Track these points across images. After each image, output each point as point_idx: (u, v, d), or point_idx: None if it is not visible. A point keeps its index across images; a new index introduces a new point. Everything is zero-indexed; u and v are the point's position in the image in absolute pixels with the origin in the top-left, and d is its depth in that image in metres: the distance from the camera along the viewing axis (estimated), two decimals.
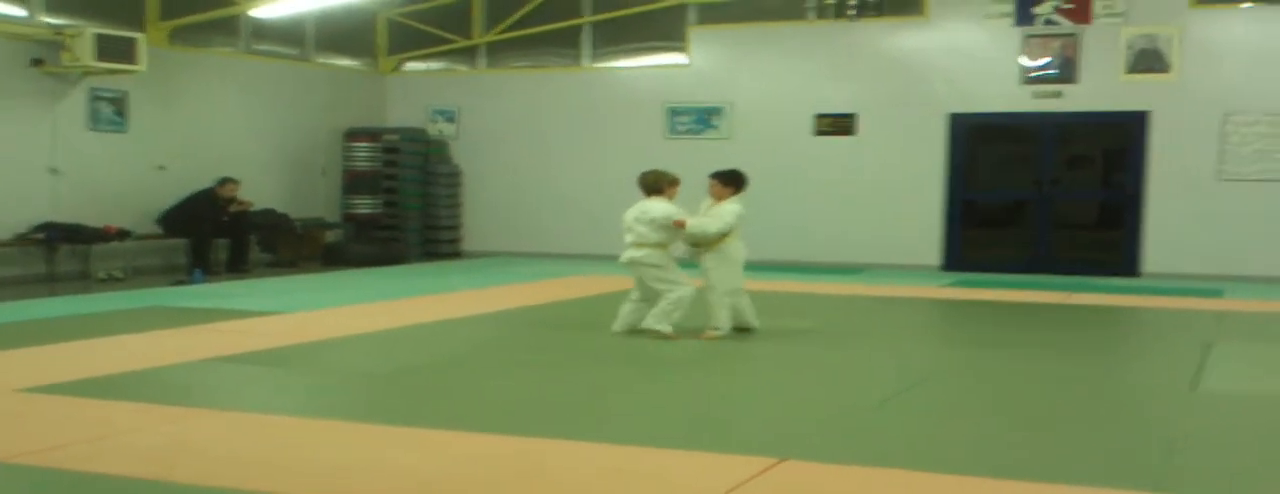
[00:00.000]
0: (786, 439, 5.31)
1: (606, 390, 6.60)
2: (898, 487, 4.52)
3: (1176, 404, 6.32)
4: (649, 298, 8.52)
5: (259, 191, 14.62)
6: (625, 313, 8.65)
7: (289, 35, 15.80)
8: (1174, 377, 7.08)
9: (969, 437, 5.46)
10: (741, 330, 8.61)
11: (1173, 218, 13.93)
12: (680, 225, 8.35)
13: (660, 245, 8.43)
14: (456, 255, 16.77)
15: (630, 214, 8.52)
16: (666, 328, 8.32)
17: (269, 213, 14.88)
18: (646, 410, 6.07)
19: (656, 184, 8.58)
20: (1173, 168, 13.90)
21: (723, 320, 8.45)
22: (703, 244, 8.52)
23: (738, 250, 8.66)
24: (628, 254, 8.48)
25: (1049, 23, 14.30)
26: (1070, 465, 4.90)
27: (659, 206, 8.46)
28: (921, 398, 6.44)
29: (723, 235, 8.48)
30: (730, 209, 8.54)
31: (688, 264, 8.73)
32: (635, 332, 8.50)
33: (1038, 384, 6.91)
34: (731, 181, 8.73)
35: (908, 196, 14.83)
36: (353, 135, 16.10)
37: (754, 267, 9.25)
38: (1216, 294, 12.01)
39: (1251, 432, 5.64)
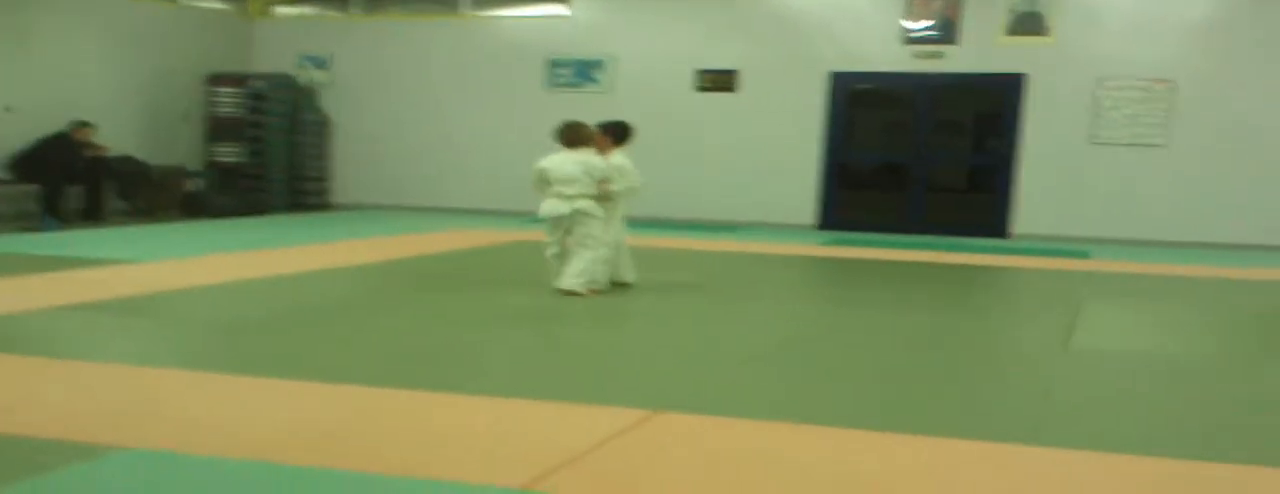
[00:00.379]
0: (661, 392, 5.19)
1: (476, 343, 6.39)
2: (772, 438, 4.42)
3: (1050, 360, 6.33)
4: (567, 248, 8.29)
5: (116, 137, 14.02)
6: (558, 267, 8.34)
7: None
8: (1046, 334, 7.10)
9: (844, 390, 5.39)
10: (619, 285, 8.46)
11: (1044, 181, 14.11)
12: (607, 186, 8.14)
13: (593, 197, 8.19)
14: (324, 207, 16.34)
15: (568, 164, 8.17)
16: (581, 289, 8.07)
17: (127, 159, 14.29)
18: (519, 363, 5.89)
19: (583, 137, 8.30)
20: (1046, 131, 14.08)
21: (599, 274, 8.29)
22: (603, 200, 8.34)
23: (624, 205, 8.52)
24: (574, 204, 8.14)
25: None
26: (945, 419, 4.86)
27: (598, 161, 8.21)
28: (797, 352, 6.36)
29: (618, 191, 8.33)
30: (627, 163, 8.36)
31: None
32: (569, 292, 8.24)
33: (913, 340, 6.88)
34: (619, 134, 8.52)
35: (787, 155, 14.81)
36: (217, 80, 15.52)
37: (631, 223, 9.09)
38: (1083, 255, 12.20)
39: (1121, 386, 5.67)
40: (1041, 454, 4.31)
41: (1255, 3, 13.48)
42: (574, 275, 8.10)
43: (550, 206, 8.18)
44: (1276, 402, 5.42)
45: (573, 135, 8.32)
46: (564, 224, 8.20)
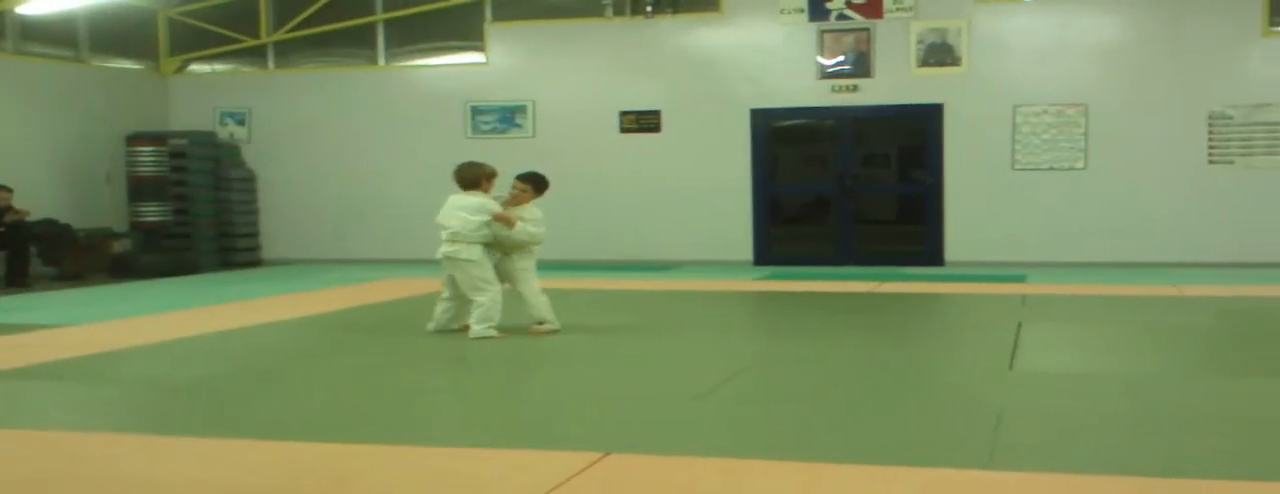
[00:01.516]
0: (609, 434, 5.14)
1: (419, 393, 6.30)
2: (724, 475, 4.39)
3: (996, 384, 6.37)
4: (459, 296, 8.25)
5: (37, 200, 13.73)
6: (439, 313, 8.43)
7: (61, 35, 14.93)
8: (991, 358, 7.15)
9: (795, 423, 5.38)
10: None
11: (971, 208, 14.28)
12: (504, 221, 8.10)
13: (476, 242, 8.16)
14: (255, 264, 16.10)
15: (444, 209, 8.23)
16: (492, 332, 8.09)
17: (50, 223, 13.98)
18: (462, 411, 5.81)
19: (474, 178, 8.33)
20: (969, 159, 14.26)
21: (550, 314, 8.30)
22: (513, 249, 8.31)
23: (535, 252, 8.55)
24: (443, 249, 8.19)
25: (842, 18, 14.50)
26: (898, 447, 4.86)
27: (473, 199, 8.20)
28: (744, 386, 6.34)
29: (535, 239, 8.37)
30: (538, 214, 8.40)
31: None
32: (449, 332, 8.24)
33: (859, 370, 6.90)
34: (540, 185, 8.55)
35: (716, 193, 14.85)
36: (136, 139, 15.26)
37: (563, 267, 9.07)
38: (1019, 279, 12.34)
39: (1070, 406, 5.71)
40: (999, 478, 4.31)
41: (1159, 24, 13.79)
42: (475, 322, 8.13)
43: (439, 252, 8.28)
44: (1223, 416, 5.49)
45: (460, 177, 8.41)
46: (449, 270, 8.21)
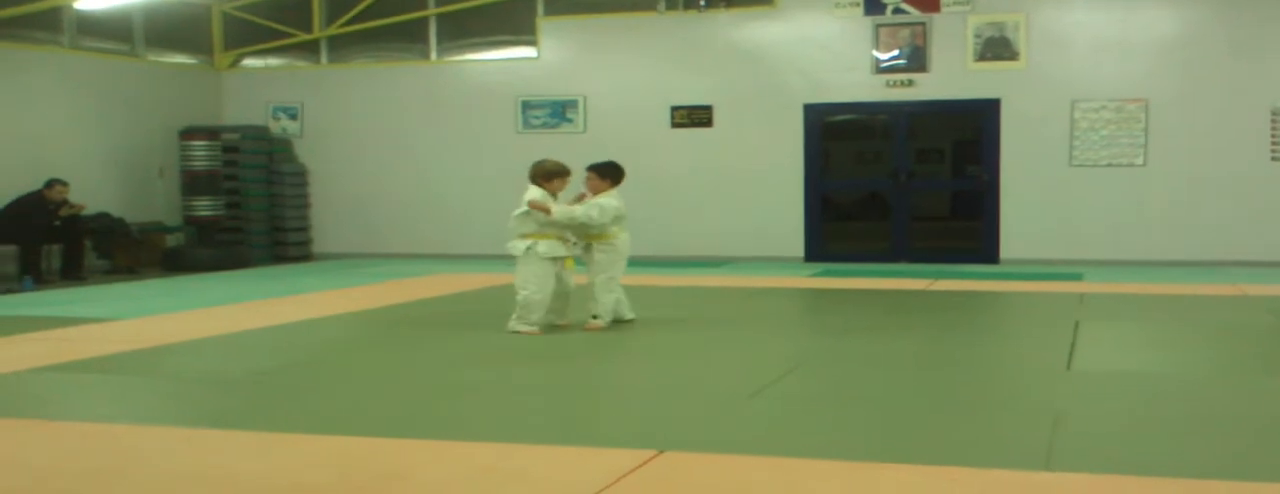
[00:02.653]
0: (662, 431, 5.09)
1: (470, 388, 6.27)
2: (777, 474, 4.32)
3: (1055, 383, 6.26)
4: (558, 293, 8.26)
5: (92, 194, 13.85)
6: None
7: (116, 30, 15.06)
8: (1048, 357, 7.03)
9: (851, 421, 5.30)
10: (618, 322, 8.40)
11: (1028, 204, 14.09)
12: (540, 208, 8.05)
13: (528, 235, 8.11)
14: (306, 258, 16.18)
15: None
16: (521, 327, 8.09)
17: (104, 217, 14.11)
18: (517, 407, 5.76)
19: (533, 175, 8.32)
20: (1025, 155, 14.08)
21: (605, 310, 8.27)
22: (592, 236, 8.26)
23: (625, 243, 8.42)
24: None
25: (898, 12, 14.36)
26: (954, 448, 4.77)
27: (528, 194, 8.17)
28: (799, 385, 6.26)
29: (607, 226, 8.23)
30: (609, 202, 8.26)
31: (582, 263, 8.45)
32: (553, 327, 8.28)
33: (913, 368, 6.81)
34: (608, 174, 8.44)
35: (768, 188, 14.76)
36: (189, 134, 15.37)
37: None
38: (1076, 278, 12.16)
39: (1130, 406, 5.61)
40: (1059, 480, 4.22)
41: (1219, 18, 13.56)
42: (513, 316, 8.18)
43: None
44: None
45: (530, 171, 8.38)
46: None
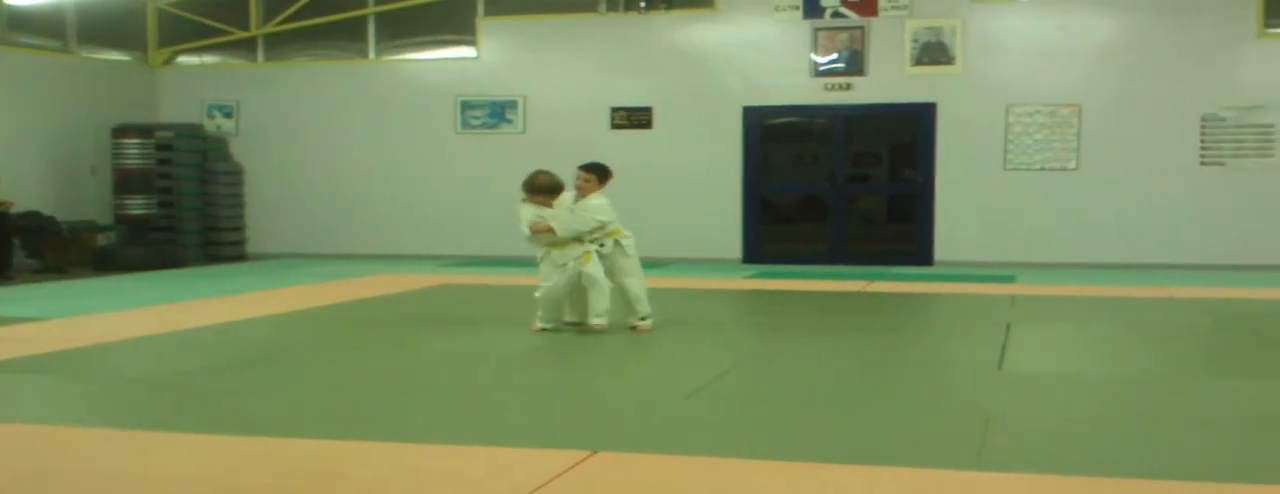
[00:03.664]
0: (597, 432, 5.10)
1: (407, 389, 6.24)
2: (712, 474, 4.35)
3: (987, 384, 6.33)
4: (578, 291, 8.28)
5: (20, 192, 13.62)
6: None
7: (49, 26, 14.83)
8: (981, 358, 7.11)
9: (784, 422, 5.33)
10: (573, 324, 8.37)
11: (962, 208, 14.24)
12: (542, 230, 8.04)
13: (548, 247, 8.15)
14: (241, 258, 16.02)
15: None
16: (537, 324, 8.17)
17: (33, 215, 13.89)
18: (450, 408, 5.74)
19: (525, 188, 8.33)
20: (961, 158, 14.22)
21: (646, 308, 8.31)
22: (597, 239, 8.21)
23: (631, 242, 8.37)
24: None
25: (836, 15, 14.46)
26: (887, 447, 4.82)
27: (522, 215, 8.21)
28: (733, 385, 6.30)
29: (602, 227, 8.17)
30: (601, 201, 8.20)
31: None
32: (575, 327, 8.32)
33: (848, 369, 6.86)
34: (599, 173, 8.37)
35: (706, 190, 14.80)
36: (122, 131, 15.16)
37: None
38: (1009, 280, 12.30)
39: (1059, 406, 5.69)
40: (990, 479, 4.28)
41: (1152, 26, 13.77)
42: None
43: None
44: (1211, 417, 5.45)
45: (525, 184, 8.38)
46: None
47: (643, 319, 8.32)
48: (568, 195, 8.31)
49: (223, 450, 4.74)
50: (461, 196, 15.45)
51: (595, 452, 4.59)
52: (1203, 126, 13.64)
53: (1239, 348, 7.76)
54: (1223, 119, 13.60)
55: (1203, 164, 13.68)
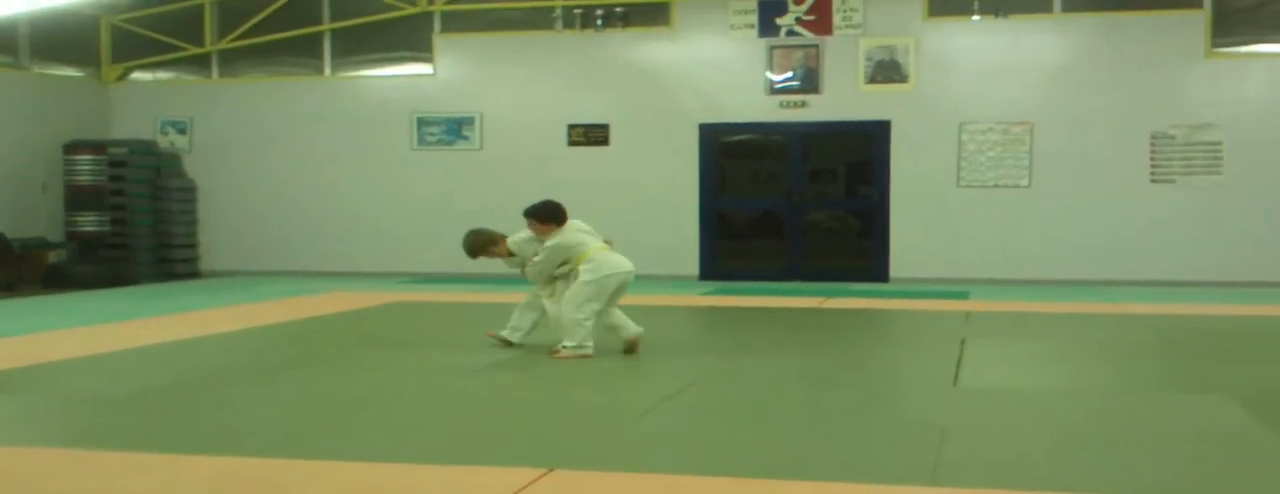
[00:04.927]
0: (552, 449, 5.09)
1: (359, 407, 6.19)
2: (666, 491, 4.36)
3: (941, 400, 6.37)
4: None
5: None
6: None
7: (1, 41, 14.68)
8: (935, 374, 7.16)
9: (739, 439, 5.34)
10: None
11: (917, 224, 14.33)
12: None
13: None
14: (194, 275, 15.88)
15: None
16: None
17: None
18: (403, 426, 5.71)
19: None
20: (915, 176, 14.32)
21: (567, 336, 7.95)
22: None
23: (597, 267, 8.02)
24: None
25: (791, 34, 14.55)
26: (842, 464, 4.84)
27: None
28: (688, 402, 6.30)
29: (567, 262, 8.02)
30: (548, 245, 8.01)
31: None
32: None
33: (803, 386, 6.88)
34: (542, 216, 8.11)
35: (663, 207, 14.81)
36: (74, 147, 15.03)
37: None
38: (963, 296, 12.40)
39: (1014, 422, 5.73)
40: None
41: (1105, 45, 13.95)
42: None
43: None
44: (1162, 432, 5.51)
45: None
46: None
47: (561, 346, 7.91)
48: (522, 234, 8.21)
49: (170, 468, 4.69)
50: (418, 213, 15.41)
51: (551, 469, 4.58)
52: (1152, 144, 13.82)
53: (1187, 363, 7.85)
54: (1172, 137, 13.78)
55: (1153, 181, 13.85)
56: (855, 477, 4.54)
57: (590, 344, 7.80)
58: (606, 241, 8.20)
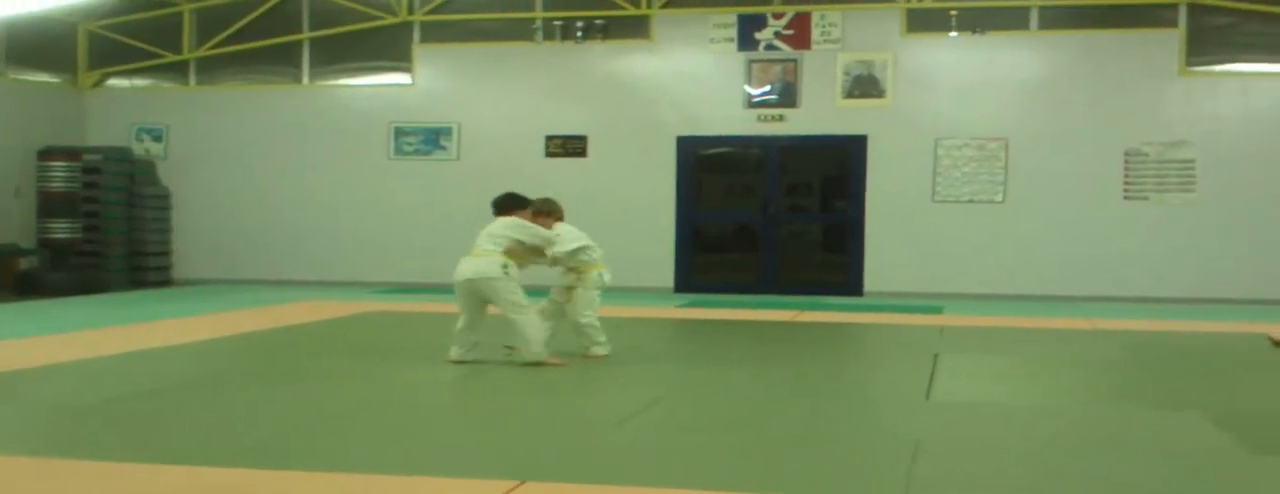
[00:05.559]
0: (525, 461, 5.07)
1: (330, 417, 6.16)
2: None
3: (914, 413, 6.39)
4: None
5: None
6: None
7: None
8: (908, 388, 7.18)
9: (712, 452, 5.33)
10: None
11: (891, 239, 14.38)
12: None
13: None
14: (167, 283, 15.80)
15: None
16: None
17: None
18: (375, 436, 5.69)
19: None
20: (890, 190, 14.37)
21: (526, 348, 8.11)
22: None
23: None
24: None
25: (770, 48, 14.60)
26: (815, 477, 4.84)
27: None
28: (662, 414, 6.30)
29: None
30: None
31: None
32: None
33: (777, 399, 6.89)
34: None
35: (640, 219, 14.81)
36: (48, 154, 14.94)
37: None
38: (936, 311, 12.43)
39: (985, 437, 5.74)
40: None
41: (1078, 63, 14.04)
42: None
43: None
44: (1134, 447, 5.54)
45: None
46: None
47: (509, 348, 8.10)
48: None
49: (139, 478, 4.67)
50: (394, 223, 15.39)
51: (523, 481, 4.57)
52: (1126, 161, 13.91)
53: (1159, 379, 7.90)
54: (1145, 154, 13.87)
55: (1126, 198, 13.94)
56: (829, 490, 4.55)
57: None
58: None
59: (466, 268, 7.95)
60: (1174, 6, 13.91)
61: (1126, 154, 13.91)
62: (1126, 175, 13.93)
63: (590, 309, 8.39)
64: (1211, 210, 13.75)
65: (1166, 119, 13.85)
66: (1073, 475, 4.88)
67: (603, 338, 8.38)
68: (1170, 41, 13.84)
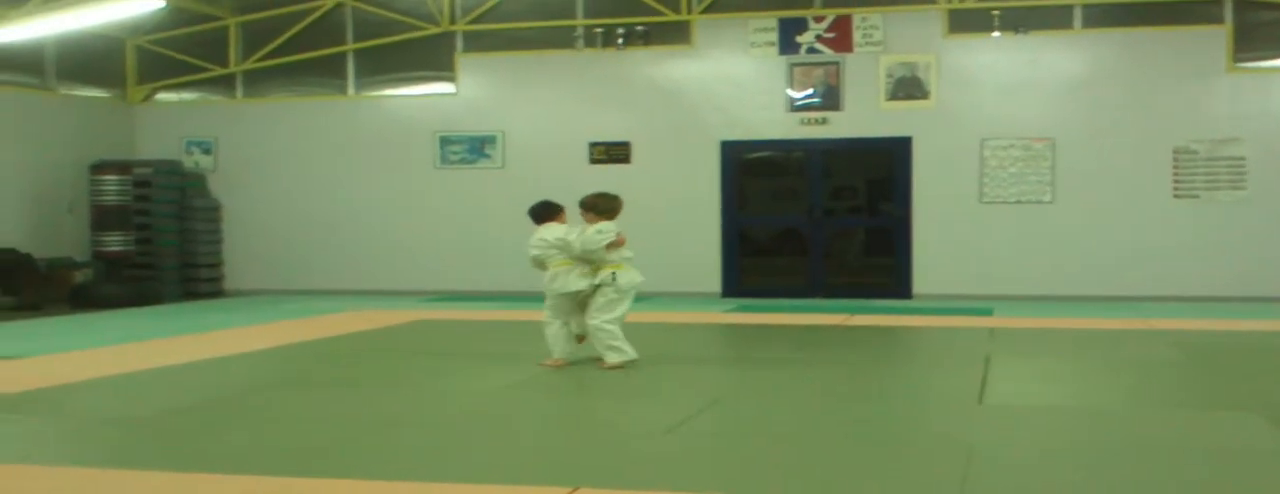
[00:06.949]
0: (578, 467, 5.10)
1: (384, 426, 6.21)
2: None
3: (967, 417, 6.35)
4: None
5: None
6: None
7: (28, 63, 14.80)
8: (961, 391, 7.14)
9: (764, 457, 5.33)
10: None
11: (940, 241, 14.31)
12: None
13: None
14: (218, 294, 15.96)
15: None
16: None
17: (10, 252, 13.83)
18: (429, 445, 5.73)
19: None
20: (937, 192, 14.30)
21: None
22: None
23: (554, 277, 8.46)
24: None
25: (812, 51, 14.57)
26: (868, 482, 4.83)
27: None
28: (714, 420, 6.30)
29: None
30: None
31: None
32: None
33: (828, 404, 6.87)
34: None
35: (685, 224, 14.82)
36: (100, 168, 15.13)
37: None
38: (986, 312, 12.35)
39: (1039, 441, 5.70)
40: None
41: (1126, 60, 13.91)
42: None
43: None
44: (1190, 448, 5.49)
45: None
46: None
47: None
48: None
49: (194, 488, 4.71)
50: (440, 232, 15.47)
51: (576, 489, 4.58)
52: (1175, 159, 13.77)
53: (1214, 379, 7.82)
54: (1195, 152, 13.73)
55: (1176, 197, 13.80)
56: None
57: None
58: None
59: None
60: (1219, 3, 13.76)
61: (1175, 152, 13.77)
62: (1176, 173, 13.79)
63: (604, 313, 8.21)
64: (1263, 208, 13.58)
65: (1214, 116, 13.70)
66: (1129, 481, 4.84)
67: (617, 343, 8.13)
68: (1217, 38, 13.70)
